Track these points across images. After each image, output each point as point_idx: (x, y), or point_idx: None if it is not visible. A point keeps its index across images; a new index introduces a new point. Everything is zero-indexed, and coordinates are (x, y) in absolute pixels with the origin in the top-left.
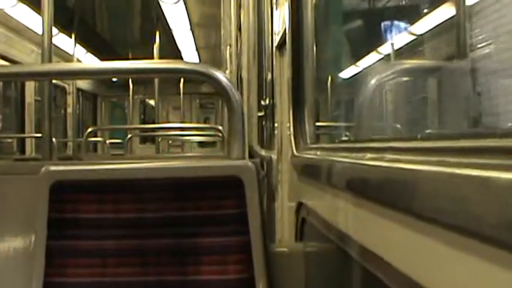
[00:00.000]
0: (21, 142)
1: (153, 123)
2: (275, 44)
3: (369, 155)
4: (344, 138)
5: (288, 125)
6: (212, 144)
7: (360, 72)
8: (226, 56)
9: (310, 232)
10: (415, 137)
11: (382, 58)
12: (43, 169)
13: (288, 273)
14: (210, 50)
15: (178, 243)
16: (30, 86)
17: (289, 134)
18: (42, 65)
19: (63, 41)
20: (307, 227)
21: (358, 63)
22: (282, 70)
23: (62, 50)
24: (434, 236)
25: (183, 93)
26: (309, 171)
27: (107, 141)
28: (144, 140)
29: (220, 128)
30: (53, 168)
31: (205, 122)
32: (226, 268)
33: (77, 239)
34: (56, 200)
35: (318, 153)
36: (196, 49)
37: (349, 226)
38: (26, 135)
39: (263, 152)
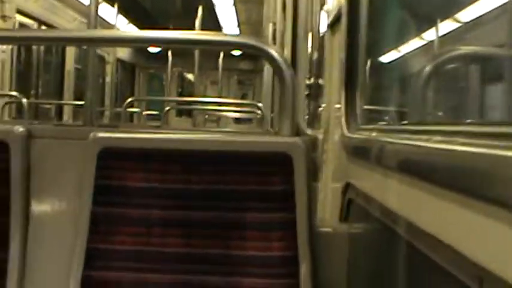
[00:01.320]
0: (59, 109)
1: (190, 96)
2: (327, 22)
3: (436, 138)
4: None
5: (338, 105)
6: (248, 121)
7: (415, 55)
8: (269, 33)
9: (357, 213)
10: (479, 122)
11: (444, 42)
12: (91, 135)
13: (332, 254)
14: (252, 27)
15: (223, 216)
16: (70, 54)
17: (340, 115)
18: (87, 31)
19: (106, 11)
20: (355, 208)
21: (414, 46)
22: (332, 50)
23: (104, 19)
24: (497, 218)
25: (222, 69)
26: (361, 152)
27: (144, 112)
28: (180, 113)
29: (260, 105)
30: (101, 134)
31: (242, 98)
32: (270, 245)
33: (123, 207)
34: (103, 167)
35: (373, 134)
36: (238, 25)
37: (404, 208)
38: (68, 102)
39: (309, 131)
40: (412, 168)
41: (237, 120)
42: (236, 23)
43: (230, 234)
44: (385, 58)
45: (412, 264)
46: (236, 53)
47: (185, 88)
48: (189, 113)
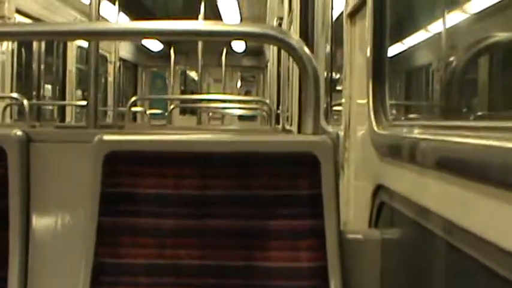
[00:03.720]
0: (62, 109)
1: (193, 94)
2: (346, 12)
3: (480, 134)
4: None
5: (361, 100)
6: (252, 118)
7: (446, 44)
8: None
9: (391, 217)
10: None
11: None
12: (96, 138)
13: (363, 262)
14: (255, 22)
15: (244, 224)
16: (71, 54)
17: (365, 110)
18: (85, 24)
19: (107, 9)
20: (388, 211)
21: (444, 34)
22: (352, 41)
23: (104, 18)
24: None
25: (225, 66)
26: (396, 151)
27: (147, 112)
28: (183, 111)
29: (267, 101)
30: (107, 137)
31: (245, 95)
32: (297, 255)
33: (133, 216)
34: (110, 172)
35: (414, 131)
36: (241, 20)
37: (448, 210)
38: (70, 102)
39: (330, 128)
40: (457, 167)
41: (241, 118)
42: (239, 19)
43: (252, 244)
44: (414, 48)
45: (457, 269)
46: (239, 49)
47: (188, 86)
48: (192, 111)
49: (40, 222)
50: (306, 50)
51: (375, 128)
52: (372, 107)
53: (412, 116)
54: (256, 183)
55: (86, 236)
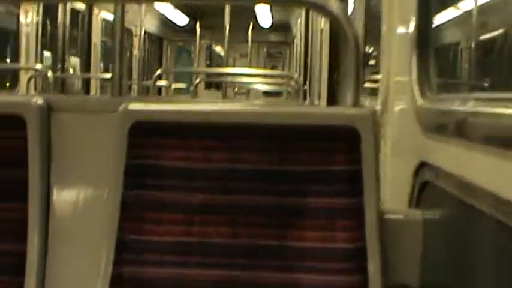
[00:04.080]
0: (87, 82)
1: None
2: None
3: None
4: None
5: (401, 74)
6: (277, 94)
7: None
8: None
9: (437, 198)
10: None
11: None
12: (121, 107)
13: (403, 244)
14: None
15: (277, 201)
16: (96, 26)
17: (407, 83)
18: None
19: None
20: (432, 191)
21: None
22: (391, 12)
23: None
24: None
25: (251, 41)
26: (443, 126)
27: (172, 86)
28: (208, 85)
29: (295, 76)
30: (132, 106)
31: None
32: (333, 235)
33: (159, 190)
34: (136, 144)
35: (464, 104)
36: None
37: (507, 189)
38: (95, 75)
39: (367, 102)
40: (510, 140)
41: (266, 94)
42: None
43: (285, 223)
44: (460, 16)
45: (508, 248)
46: (265, 24)
47: (214, 61)
48: (217, 86)
49: (61, 196)
50: (347, 17)
51: (419, 102)
52: (416, 80)
53: (458, 88)
54: (291, 158)
55: (109, 211)
